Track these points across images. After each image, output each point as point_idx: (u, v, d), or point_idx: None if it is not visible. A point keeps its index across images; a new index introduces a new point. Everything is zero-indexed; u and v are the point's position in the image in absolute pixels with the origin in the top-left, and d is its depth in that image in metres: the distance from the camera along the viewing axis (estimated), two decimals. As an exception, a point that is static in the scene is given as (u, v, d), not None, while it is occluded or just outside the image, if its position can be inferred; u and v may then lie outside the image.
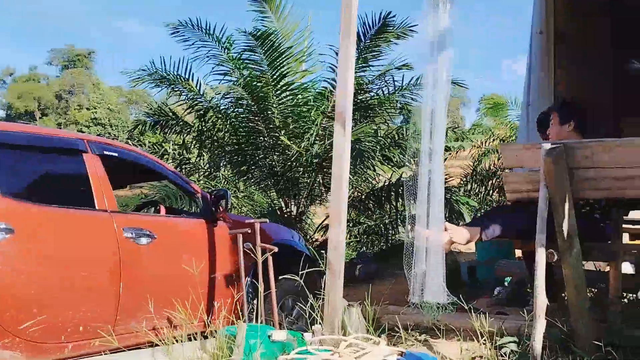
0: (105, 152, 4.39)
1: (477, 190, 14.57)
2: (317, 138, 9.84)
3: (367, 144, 9.38)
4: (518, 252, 6.13)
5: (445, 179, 10.09)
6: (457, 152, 13.99)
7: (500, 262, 5.40)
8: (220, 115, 10.21)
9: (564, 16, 6.18)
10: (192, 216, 5.15)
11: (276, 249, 4.40)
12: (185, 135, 11.54)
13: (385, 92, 10.26)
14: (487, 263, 5.86)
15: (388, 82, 10.24)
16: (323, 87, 10.39)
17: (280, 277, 5.15)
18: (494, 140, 15.43)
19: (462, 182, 14.85)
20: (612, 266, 3.63)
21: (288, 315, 5.49)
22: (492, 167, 15.33)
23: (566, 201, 3.29)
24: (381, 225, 11.34)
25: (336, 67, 10.23)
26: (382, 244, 11.51)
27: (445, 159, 14.02)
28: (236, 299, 4.92)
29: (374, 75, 10.16)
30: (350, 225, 11.23)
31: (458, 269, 6.77)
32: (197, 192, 5.02)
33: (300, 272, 5.60)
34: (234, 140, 10.30)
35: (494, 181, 14.28)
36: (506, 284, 5.83)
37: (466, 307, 3.63)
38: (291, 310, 5.57)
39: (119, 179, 4.80)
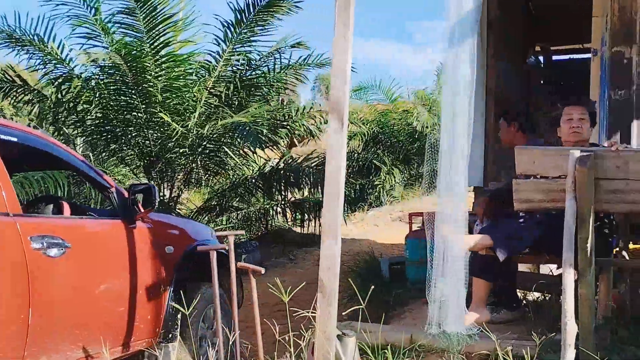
0: (1, 137, 3.34)
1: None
2: (202, 117, 8.98)
3: (256, 126, 8.68)
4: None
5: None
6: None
7: None
8: (86, 85, 8.88)
9: (493, 3, 6.00)
10: (105, 216, 4.20)
11: (262, 271, 3.65)
12: (34, 106, 9.99)
13: (274, 70, 9.58)
14: (419, 263, 5.55)
15: (278, 59, 9.58)
16: (206, 60, 9.50)
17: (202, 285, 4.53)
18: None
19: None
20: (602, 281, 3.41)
21: (209, 328, 4.79)
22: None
23: (591, 215, 2.98)
24: (262, 210, 10.73)
25: (221, 39, 9.42)
26: (262, 229, 10.91)
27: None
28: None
29: (264, 52, 9.45)
30: (230, 211, 10.50)
31: (377, 266, 6.43)
32: (110, 187, 4.09)
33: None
34: (103, 115, 9.04)
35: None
36: (439, 284, 5.57)
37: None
38: (213, 320, 4.86)
39: (13, 169, 3.75)
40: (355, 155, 15.51)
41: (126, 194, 4.09)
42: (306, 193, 11.16)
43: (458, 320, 2.93)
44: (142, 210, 4.05)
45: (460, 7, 3.08)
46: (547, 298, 4.54)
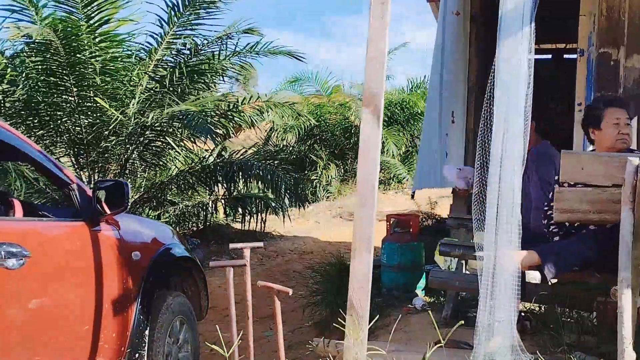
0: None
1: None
2: (142, 103, 8.25)
3: (206, 116, 8.05)
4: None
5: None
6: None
7: (435, 272, 4.79)
8: (11, 63, 7.93)
9: (476, -1, 5.74)
10: (64, 218, 3.57)
11: (290, 292, 3.12)
12: None
13: (219, 57, 8.96)
14: (397, 268, 5.22)
15: (224, 46, 8.97)
16: (148, 43, 8.76)
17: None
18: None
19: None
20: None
21: (175, 343, 4.25)
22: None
23: (647, 228, 2.71)
24: (200, 205, 10.08)
25: (164, 20, 8.71)
26: (199, 225, 10.26)
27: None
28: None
29: (211, 37, 8.81)
30: (165, 205, 9.79)
31: (345, 268, 6.03)
32: (71, 183, 3.46)
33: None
34: (28, 97, 8.10)
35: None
36: (418, 292, 5.25)
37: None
38: (179, 334, 4.34)
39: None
40: (289, 148, 15.08)
41: (89, 192, 3.48)
42: (242, 187, 10.61)
43: (509, 350, 2.57)
44: (109, 211, 3.46)
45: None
46: (543, 309, 4.32)
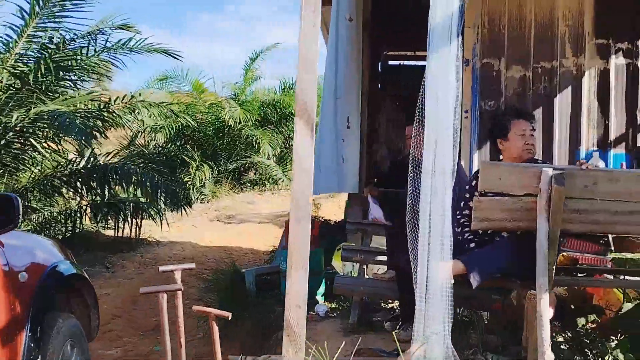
0: None
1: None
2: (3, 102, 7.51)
3: (78, 116, 7.47)
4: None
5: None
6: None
7: (340, 277, 4.76)
8: None
9: (368, 3, 5.83)
10: None
11: (229, 316, 2.87)
12: None
13: (87, 53, 8.36)
14: None
15: (96, 41, 8.39)
16: (7, 35, 8.00)
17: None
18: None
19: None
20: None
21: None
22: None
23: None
24: (68, 212, 9.37)
25: (26, 12, 8.01)
26: (66, 233, 9.53)
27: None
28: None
29: (81, 32, 8.21)
30: (27, 213, 8.97)
31: (239, 277, 5.86)
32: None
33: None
34: None
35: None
36: (319, 298, 5.22)
37: None
38: (70, 358, 3.99)
39: None
40: (159, 149, 14.50)
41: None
42: (115, 191, 10.00)
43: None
44: (-3, 228, 3.08)
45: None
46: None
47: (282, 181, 14.76)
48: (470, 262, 2.86)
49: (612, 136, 5.31)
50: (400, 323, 4.26)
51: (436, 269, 2.58)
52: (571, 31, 5.37)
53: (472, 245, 3.30)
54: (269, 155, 14.56)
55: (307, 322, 4.67)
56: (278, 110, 15.85)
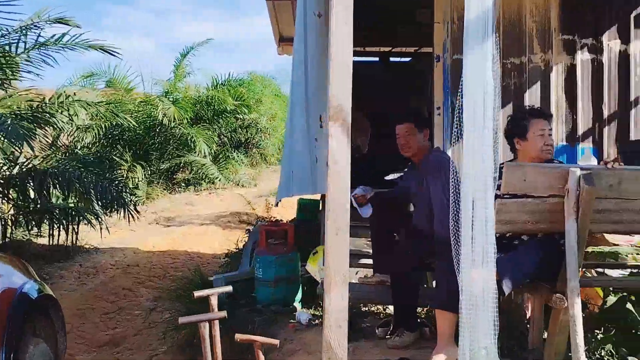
0: None
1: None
2: None
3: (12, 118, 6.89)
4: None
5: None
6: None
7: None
8: None
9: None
10: None
11: (277, 344, 2.59)
12: None
13: (21, 49, 7.75)
14: (274, 282, 4.89)
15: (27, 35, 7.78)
16: None
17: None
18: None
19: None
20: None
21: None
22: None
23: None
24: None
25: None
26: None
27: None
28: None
29: (11, 27, 7.57)
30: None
31: (209, 285, 5.52)
32: None
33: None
34: None
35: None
36: (297, 305, 5.02)
37: None
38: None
39: None
40: (86, 150, 13.72)
41: None
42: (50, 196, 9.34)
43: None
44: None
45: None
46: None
47: (219, 180, 14.35)
48: (500, 268, 2.75)
49: (580, 131, 5.40)
50: (391, 329, 4.14)
51: (480, 278, 2.45)
52: (538, 27, 5.41)
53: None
54: (204, 153, 14.10)
55: (289, 331, 4.54)
56: (212, 107, 15.40)
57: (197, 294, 2.89)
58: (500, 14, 5.41)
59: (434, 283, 4.69)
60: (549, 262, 2.91)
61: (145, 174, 14.31)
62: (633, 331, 3.61)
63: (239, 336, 2.65)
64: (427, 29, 7.39)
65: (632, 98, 5.38)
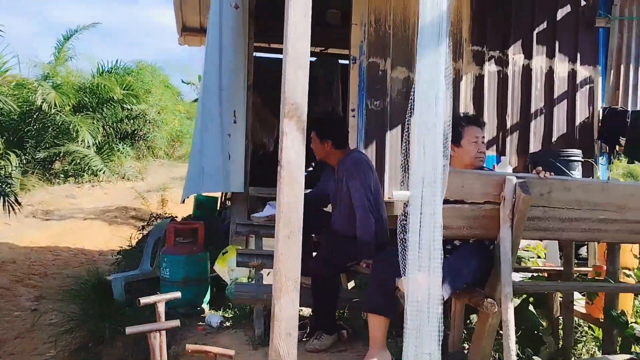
0: None
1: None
2: None
3: None
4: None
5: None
6: None
7: (241, 285, 4.32)
8: None
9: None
10: None
11: (232, 354, 2.31)
12: None
13: None
14: (183, 283, 4.61)
15: None
16: None
17: None
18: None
19: None
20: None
21: None
22: None
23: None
24: None
25: None
26: None
27: None
28: None
29: None
30: None
31: (106, 285, 5.13)
32: None
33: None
34: None
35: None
36: (205, 307, 4.80)
37: None
38: None
39: None
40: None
41: None
42: None
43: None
44: None
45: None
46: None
47: (103, 172, 13.56)
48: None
49: (485, 139, 5.60)
50: (308, 331, 4.06)
51: (425, 284, 2.43)
52: (450, 36, 5.55)
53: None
54: (88, 144, 13.25)
55: (199, 335, 4.33)
56: (97, 95, 14.55)
57: (143, 300, 2.64)
58: (415, 20, 5.50)
59: (348, 285, 4.67)
60: (486, 267, 2.96)
61: (20, 163, 13.24)
62: (535, 332, 3.76)
63: (190, 347, 2.44)
64: (337, 30, 7.47)
65: (532, 111, 5.69)
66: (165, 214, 8.94)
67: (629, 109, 5.66)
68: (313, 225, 4.28)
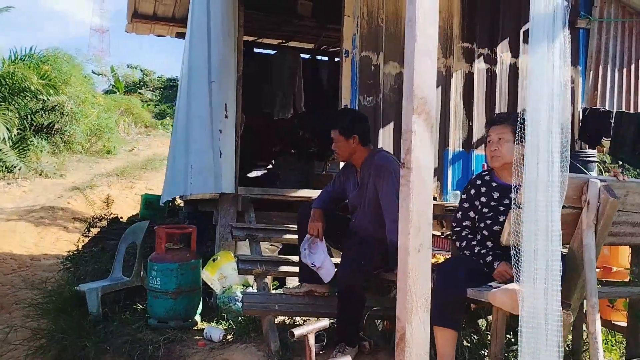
0: None
1: None
2: None
3: None
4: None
5: None
6: None
7: (250, 295, 3.88)
8: None
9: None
10: None
11: None
12: None
13: None
14: (175, 294, 4.12)
15: None
16: None
17: None
18: None
19: None
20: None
21: None
22: None
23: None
24: None
25: None
26: None
27: None
28: None
29: None
30: None
31: (79, 297, 4.53)
32: None
33: None
34: None
35: None
36: (197, 319, 4.37)
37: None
38: None
39: None
40: None
41: None
42: None
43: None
44: None
45: None
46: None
47: (19, 169, 12.45)
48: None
49: (475, 138, 5.52)
50: (324, 343, 3.76)
51: (542, 296, 2.22)
52: (441, 32, 5.41)
53: (490, 259, 3.01)
54: (3, 137, 12.10)
55: (202, 352, 3.90)
56: (9, 84, 13.33)
57: (297, 332, 2.26)
58: (405, 17, 5.31)
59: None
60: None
61: None
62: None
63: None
64: (304, 22, 7.16)
65: (519, 109, 5.64)
66: (111, 214, 8.24)
67: (607, 109, 5.75)
68: (333, 230, 3.97)
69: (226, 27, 4.73)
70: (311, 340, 2.30)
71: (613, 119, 5.47)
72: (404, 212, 1.95)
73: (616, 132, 5.40)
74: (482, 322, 4.17)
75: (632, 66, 6.07)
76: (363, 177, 3.80)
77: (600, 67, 5.83)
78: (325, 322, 2.50)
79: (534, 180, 2.24)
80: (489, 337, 4.04)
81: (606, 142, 5.52)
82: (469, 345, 3.82)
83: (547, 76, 2.27)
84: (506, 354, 3.49)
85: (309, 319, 4.24)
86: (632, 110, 5.89)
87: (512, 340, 3.66)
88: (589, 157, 4.84)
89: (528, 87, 2.27)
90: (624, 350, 3.86)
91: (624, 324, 3.81)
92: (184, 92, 4.74)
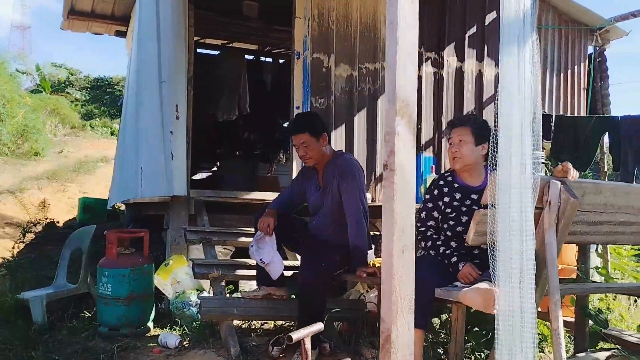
0: None
1: None
2: None
3: None
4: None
5: None
6: None
7: (207, 300, 3.77)
8: None
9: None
10: None
11: None
12: None
13: None
14: (127, 300, 3.97)
15: None
16: None
17: None
18: None
19: None
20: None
21: None
22: None
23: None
24: None
25: None
26: None
27: None
28: None
29: None
30: None
31: (22, 306, 4.28)
32: None
33: None
34: None
35: None
36: (150, 326, 4.23)
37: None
38: None
39: None
40: None
41: None
42: None
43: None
44: None
45: None
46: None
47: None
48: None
49: (423, 140, 5.62)
50: (284, 347, 3.73)
51: (517, 297, 2.27)
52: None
53: (454, 260, 3.06)
54: None
55: (161, 358, 3.79)
56: None
57: (294, 336, 2.18)
58: (357, 17, 5.36)
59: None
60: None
61: None
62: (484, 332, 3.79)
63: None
64: (249, 23, 7.09)
65: (465, 112, 5.79)
66: (47, 219, 7.88)
67: (547, 112, 5.98)
68: (284, 234, 3.93)
69: (176, 26, 4.62)
70: (307, 344, 2.27)
71: (553, 122, 5.68)
72: (387, 214, 1.95)
73: (556, 135, 5.61)
74: (435, 320, 4.25)
75: (569, 71, 6.34)
76: (326, 180, 3.77)
77: (539, 71, 6.05)
78: (319, 326, 2.47)
79: (508, 181, 2.29)
80: (442, 335, 4.16)
81: (547, 144, 5.73)
82: (425, 344, 3.88)
83: (518, 80, 2.33)
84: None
85: (266, 323, 4.21)
86: (569, 114, 6.15)
87: (466, 338, 3.74)
88: (537, 158, 5.00)
89: (500, 92, 2.32)
90: (571, 345, 4.02)
91: (571, 319, 3.96)
92: (132, 92, 4.60)
